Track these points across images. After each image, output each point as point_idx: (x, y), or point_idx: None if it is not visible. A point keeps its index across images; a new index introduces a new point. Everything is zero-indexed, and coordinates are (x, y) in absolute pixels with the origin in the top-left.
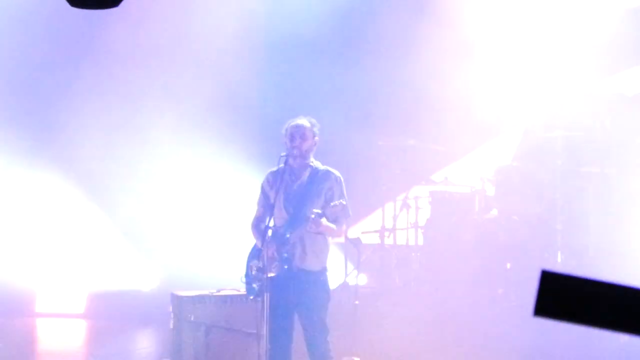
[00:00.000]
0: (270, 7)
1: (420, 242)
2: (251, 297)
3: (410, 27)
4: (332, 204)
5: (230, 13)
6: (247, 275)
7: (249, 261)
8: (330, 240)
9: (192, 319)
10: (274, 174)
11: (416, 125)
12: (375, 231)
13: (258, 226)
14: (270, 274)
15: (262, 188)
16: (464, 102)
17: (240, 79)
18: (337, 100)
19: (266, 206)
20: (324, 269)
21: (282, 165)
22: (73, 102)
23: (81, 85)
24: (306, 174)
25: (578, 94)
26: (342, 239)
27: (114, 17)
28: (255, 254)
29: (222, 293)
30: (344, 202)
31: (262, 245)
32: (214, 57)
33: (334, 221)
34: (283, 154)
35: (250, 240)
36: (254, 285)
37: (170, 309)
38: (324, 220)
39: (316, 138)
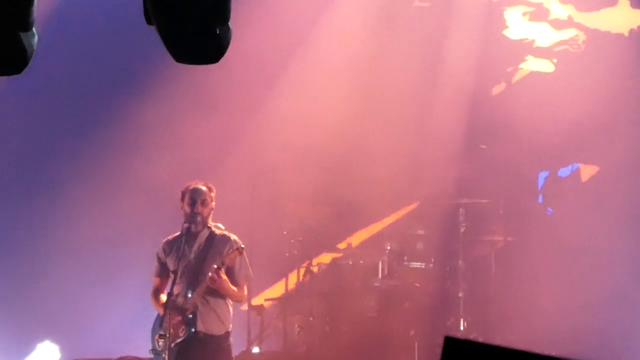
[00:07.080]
0: None
1: (325, 308)
2: None
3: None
4: (230, 250)
5: None
6: (154, 348)
7: (153, 333)
8: (231, 304)
9: None
10: (169, 243)
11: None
12: (279, 298)
13: (157, 296)
14: (179, 340)
15: (158, 257)
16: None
17: None
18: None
19: (163, 275)
20: (227, 334)
21: (177, 233)
22: None
23: None
24: (204, 237)
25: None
26: (245, 307)
27: None
28: (159, 324)
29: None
30: (243, 246)
31: (164, 314)
32: None
33: (235, 278)
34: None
35: (154, 311)
36: (164, 356)
37: None
38: (223, 274)
39: (213, 203)
